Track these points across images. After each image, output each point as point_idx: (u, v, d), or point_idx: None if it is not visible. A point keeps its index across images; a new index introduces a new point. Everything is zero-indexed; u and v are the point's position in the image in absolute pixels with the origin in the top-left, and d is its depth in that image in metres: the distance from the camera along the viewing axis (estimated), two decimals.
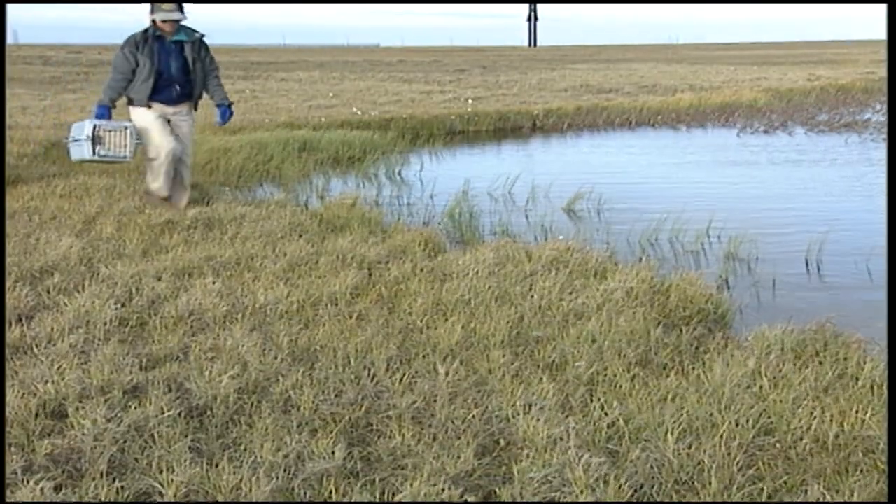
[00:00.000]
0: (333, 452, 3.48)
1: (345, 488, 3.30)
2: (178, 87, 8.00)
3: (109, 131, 7.75)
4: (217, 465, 3.37)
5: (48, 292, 5.49)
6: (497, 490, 3.31)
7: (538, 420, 3.73)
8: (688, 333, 4.96)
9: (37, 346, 4.60)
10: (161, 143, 7.92)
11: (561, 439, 3.60)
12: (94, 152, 7.72)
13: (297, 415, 3.86)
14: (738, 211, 9.42)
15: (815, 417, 3.80)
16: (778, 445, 3.65)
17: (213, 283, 5.68)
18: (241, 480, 3.28)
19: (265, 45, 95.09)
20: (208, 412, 3.89)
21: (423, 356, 4.54)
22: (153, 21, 7.87)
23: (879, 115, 19.71)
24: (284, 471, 3.36)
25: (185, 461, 3.39)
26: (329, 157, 12.76)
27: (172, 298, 5.42)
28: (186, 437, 3.61)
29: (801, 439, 3.68)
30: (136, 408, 3.82)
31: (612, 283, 5.74)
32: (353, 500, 3.24)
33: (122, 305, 5.27)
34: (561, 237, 7.38)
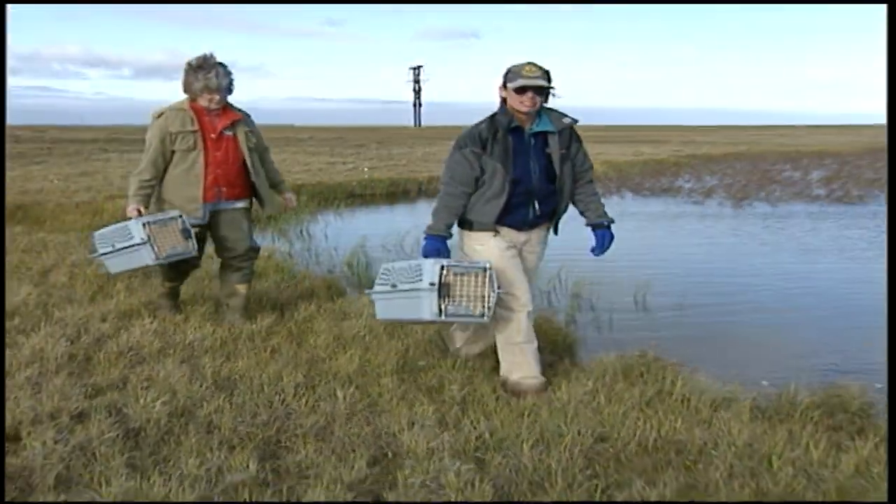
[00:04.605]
0: (248, 466, 3.40)
1: (258, 495, 3.23)
2: (537, 204, 4.51)
3: (461, 275, 4.22)
4: (149, 479, 3.26)
5: (9, 333, 5.26)
6: (384, 494, 3.27)
7: (419, 435, 3.72)
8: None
9: None
10: (520, 291, 4.49)
11: (437, 450, 3.59)
12: (440, 311, 4.18)
13: (219, 434, 3.76)
14: (582, 259, 9.55)
15: (639, 427, 3.87)
16: (611, 450, 3.71)
17: (151, 323, 5.52)
18: (169, 491, 3.18)
19: None
20: (143, 433, 3.76)
21: (326, 383, 4.48)
22: (503, 100, 4.34)
23: (690, 183, 20.44)
24: (207, 482, 3.27)
25: (122, 475, 3.27)
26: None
27: (115, 336, 5.24)
28: (123, 454, 3.48)
29: (629, 444, 3.74)
30: (80, 430, 3.67)
31: None
32: (264, 502, 3.18)
33: (72, 343, 5.08)
34: None
